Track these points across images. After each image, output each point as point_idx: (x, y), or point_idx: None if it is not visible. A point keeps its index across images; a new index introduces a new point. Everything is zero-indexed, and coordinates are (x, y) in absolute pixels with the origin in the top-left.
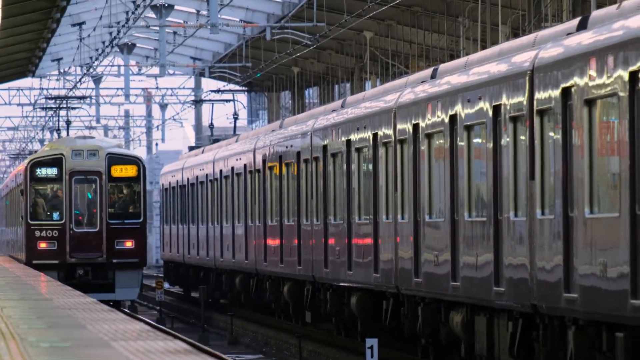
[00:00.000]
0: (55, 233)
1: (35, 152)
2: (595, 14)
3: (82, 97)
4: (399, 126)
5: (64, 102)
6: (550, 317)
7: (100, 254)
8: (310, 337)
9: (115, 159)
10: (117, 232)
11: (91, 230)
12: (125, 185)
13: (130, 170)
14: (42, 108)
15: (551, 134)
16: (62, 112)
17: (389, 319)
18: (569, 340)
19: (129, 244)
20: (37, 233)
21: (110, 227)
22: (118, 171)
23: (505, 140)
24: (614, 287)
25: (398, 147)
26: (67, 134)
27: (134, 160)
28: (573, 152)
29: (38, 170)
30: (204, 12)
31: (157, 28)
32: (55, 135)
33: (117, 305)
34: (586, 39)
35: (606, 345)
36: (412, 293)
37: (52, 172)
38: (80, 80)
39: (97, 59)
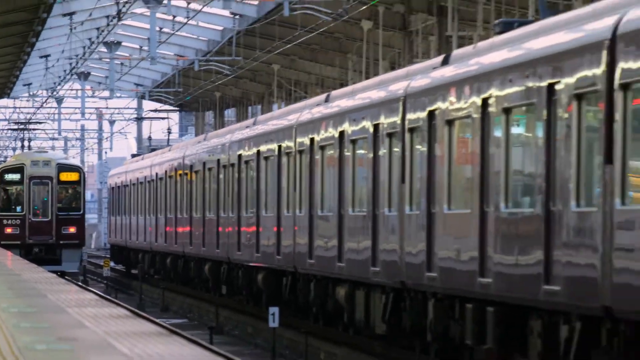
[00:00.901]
0: (18, 221)
1: (5, 161)
2: (456, 52)
3: (38, 122)
4: (299, 139)
5: (26, 125)
6: (415, 291)
7: (51, 237)
8: (226, 306)
9: (63, 167)
10: (63, 221)
11: (44, 219)
12: (70, 187)
13: (73, 176)
14: (9, 129)
15: (419, 147)
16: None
17: (287, 292)
18: (429, 309)
19: (72, 229)
20: (5, 221)
21: (58, 217)
22: (65, 176)
23: (383, 151)
24: (465, 268)
25: (298, 156)
26: (30, 149)
27: (76, 169)
28: (436, 162)
29: (6, 176)
30: (145, 48)
31: (108, 60)
32: (19, 150)
33: (74, 276)
34: (448, 72)
35: (458, 313)
36: (307, 272)
37: (16, 177)
38: (45, 100)
39: (59, 84)
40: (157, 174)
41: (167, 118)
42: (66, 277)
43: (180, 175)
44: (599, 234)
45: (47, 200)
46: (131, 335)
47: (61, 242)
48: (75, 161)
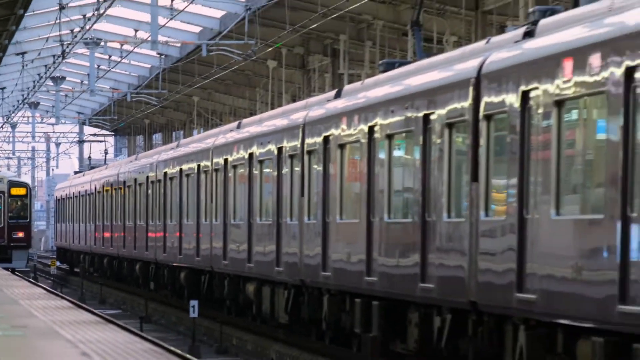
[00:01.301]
0: None
1: None
2: (347, 87)
3: None
4: (215, 160)
5: None
6: (312, 288)
7: (3, 240)
8: (153, 299)
9: (13, 184)
10: (14, 227)
11: None
12: (19, 199)
13: (22, 191)
14: None
15: (316, 166)
16: None
17: (205, 288)
18: (324, 303)
19: (20, 234)
20: None
21: (9, 224)
22: (15, 191)
23: (285, 170)
24: (355, 268)
25: (214, 174)
26: None
27: (24, 185)
28: (330, 179)
29: None
30: (86, 82)
31: (54, 92)
32: None
33: (25, 273)
34: (340, 104)
35: (349, 307)
36: (222, 271)
37: None
38: (1, 126)
39: (13, 112)
40: (95, 188)
41: (104, 141)
42: (17, 273)
43: (115, 189)
44: (466, 241)
45: (1, 211)
46: (73, 324)
47: (12, 244)
48: (26, 178)
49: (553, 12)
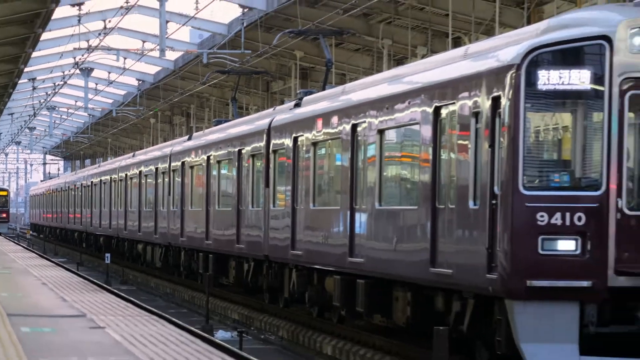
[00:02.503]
0: None
1: None
2: (195, 134)
3: None
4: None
5: None
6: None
7: None
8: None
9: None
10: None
11: None
12: (3, 198)
13: (4, 192)
14: None
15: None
16: None
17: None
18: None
19: (4, 215)
20: None
21: None
22: (1, 193)
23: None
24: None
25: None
26: None
27: (6, 189)
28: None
29: None
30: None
31: (37, 134)
32: None
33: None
34: (191, 143)
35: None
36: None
37: None
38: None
39: (8, 144)
40: (54, 189)
41: (57, 163)
42: (5, 237)
43: (64, 190)
44: (262, 221)
45: None
46: (39, 267)
47: None
48: (13, 185)
49: (311, 93)
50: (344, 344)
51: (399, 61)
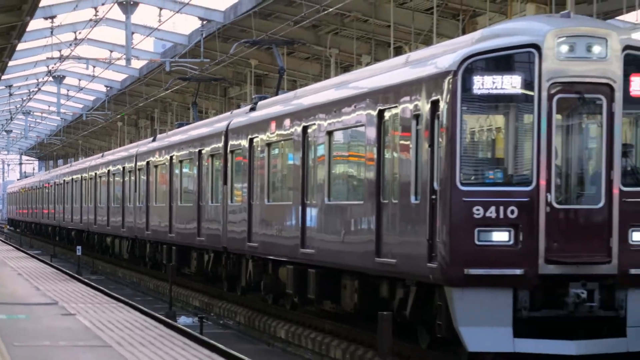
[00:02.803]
0: None
1: None
2: (159, 136)
3: None
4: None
5: None
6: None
7: None
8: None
9: None
10: None
11: None
12: None
13: None
14: None
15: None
16: None
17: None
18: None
19: None
20: None
21: None
22: None
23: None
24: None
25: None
26: None
27: None
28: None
29: None
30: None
31: (14, 136)
32: None
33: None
34: (155, 144)
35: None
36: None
37: None
38: None
39: None
40: (30, 187)
41: (33, 163)
42: None
43: (40, 188)
44: (221, 215)
45: None
46: (15, 258)
47: None
48: None
49: (265, 98)
50: (296, 329)
51: (345, 68)
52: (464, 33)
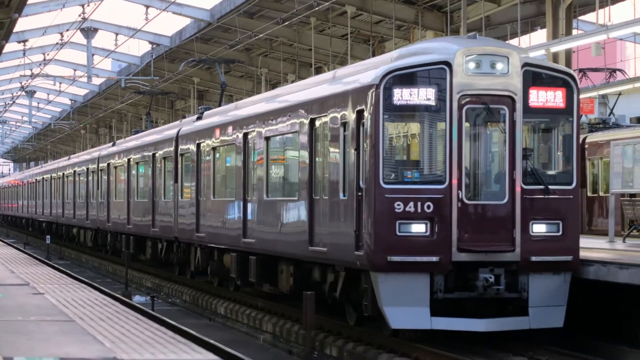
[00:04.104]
0: None
1: None
2: (118, 141)
3: None
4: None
5: None
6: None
7: None
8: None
9: None
10: None
11: None
12: None
13: None
14: None
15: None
16: None
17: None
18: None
19: None
20: None
21: None
22: None
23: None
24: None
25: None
26: None
27: None
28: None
29: None
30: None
31: None
32: None
33: None
34: (114, 149)
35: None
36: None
37: None
38: None
39: None
40: (6, 185)
41: (8, 164)
42: None
43: (16, 186)
44: (172, 210)
45: None
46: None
47: None
48: None
49: (210, 108)
50: (234, 306)
51: (274, 85)
52: (373, 55)
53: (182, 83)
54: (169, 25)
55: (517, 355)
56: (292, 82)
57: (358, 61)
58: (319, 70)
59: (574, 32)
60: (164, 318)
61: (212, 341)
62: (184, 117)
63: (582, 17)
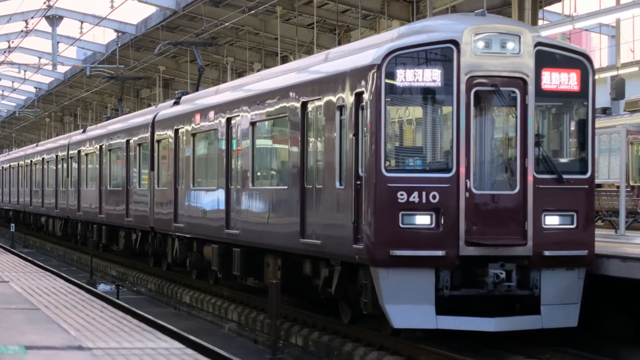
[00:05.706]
0: None
1: None
2: (89, 128)
3: None
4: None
5: None
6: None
7: None
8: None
9: None
10: None
11: None
12: None
13: None
14: None
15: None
16: None
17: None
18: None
19: None
20: None
21: None
22: None
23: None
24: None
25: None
26: None
27: None
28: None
29: None
30: None
31: None
32: None
33: None
34: (84, 136)
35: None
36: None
37: None
38: None
39: None
40: None
41: None
42: None
43: None
44: (148, 198)
45: None
46: None
47: None
48: None
49: (187, 93)
50: (199, 295)
51: (240, 74)
52: (339, 44)
53: (147, 71)
54: (135, 13)
55: (530, 358)
56: (258, 71)
57: (323, 50)
58: (284, 59)
59: (540, 22)
60: (129, 306)
61: (177, 330)
62: (149, 105)
63: (548, 8)
